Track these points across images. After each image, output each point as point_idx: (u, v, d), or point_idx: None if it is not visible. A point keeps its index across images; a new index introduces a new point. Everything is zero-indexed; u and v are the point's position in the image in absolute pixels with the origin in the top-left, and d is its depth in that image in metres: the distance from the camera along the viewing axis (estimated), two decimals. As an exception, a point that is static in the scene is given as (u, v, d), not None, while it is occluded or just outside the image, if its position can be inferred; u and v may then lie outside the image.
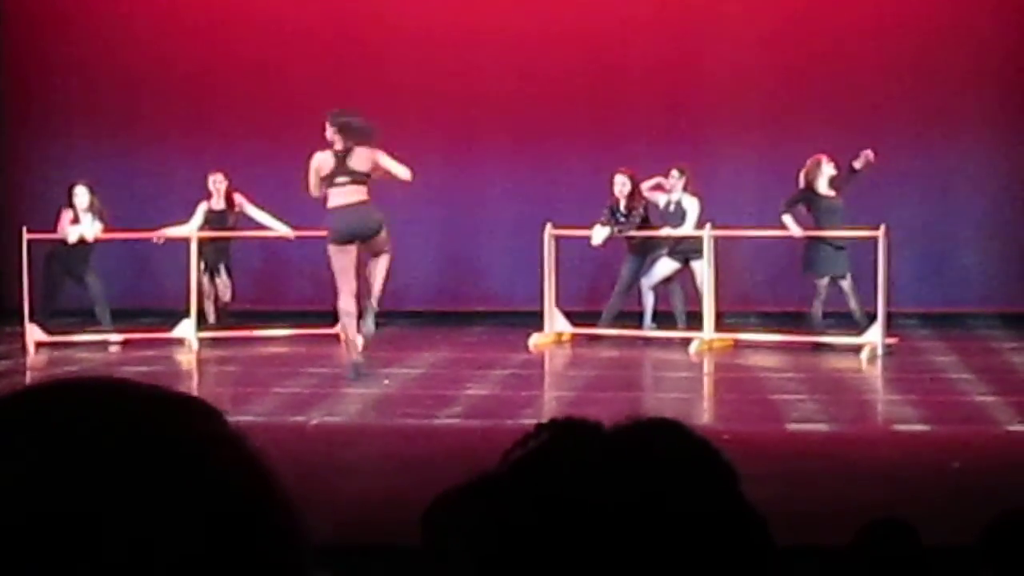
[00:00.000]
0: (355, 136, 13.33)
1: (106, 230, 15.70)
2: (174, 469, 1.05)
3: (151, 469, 1.04)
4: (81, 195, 15.59)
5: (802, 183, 15.14)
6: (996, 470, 9.10)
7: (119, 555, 1.01)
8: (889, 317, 14.82)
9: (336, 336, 15.70)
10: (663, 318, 16.02)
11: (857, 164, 15.02)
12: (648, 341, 15.74)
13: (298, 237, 16.10)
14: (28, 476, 1.02)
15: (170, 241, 16.10)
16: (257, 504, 1.08)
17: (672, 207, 15.83)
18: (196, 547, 1.03)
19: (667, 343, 15.56)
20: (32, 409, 1.08)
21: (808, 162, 15.13)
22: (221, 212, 16.15)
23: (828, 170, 15.05)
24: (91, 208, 15.59)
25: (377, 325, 13.65)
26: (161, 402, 1.10)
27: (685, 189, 15.80)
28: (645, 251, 16.05)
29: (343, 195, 13.24)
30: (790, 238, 15.32)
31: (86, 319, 15.85)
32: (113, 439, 1.05)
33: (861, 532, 4.78)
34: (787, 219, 15.14)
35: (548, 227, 16.03)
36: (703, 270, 15.49)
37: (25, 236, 15.51)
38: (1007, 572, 4.23)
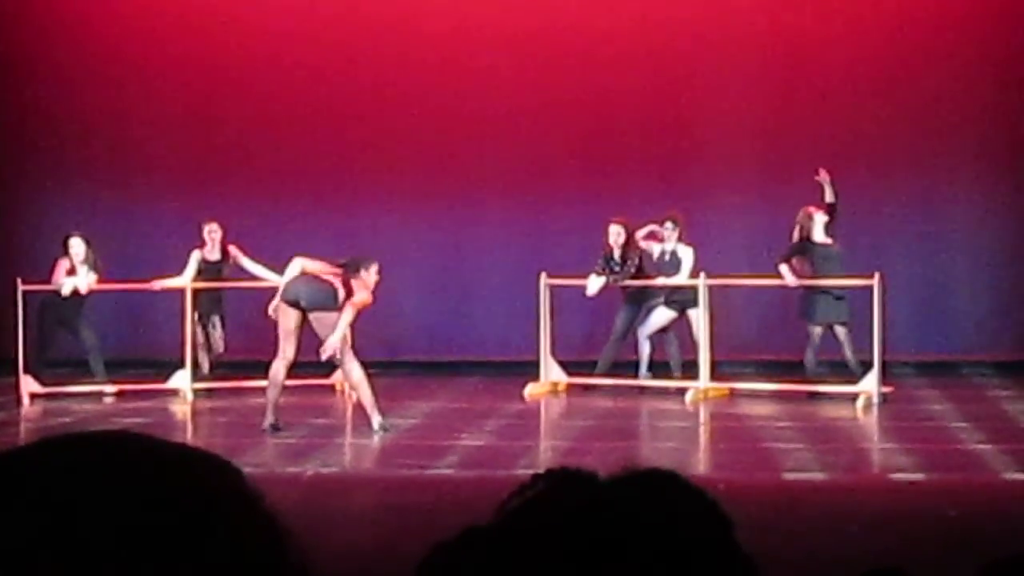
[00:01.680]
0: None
1: (100, 281, 15.70)
2: (191, 525, 1.04)
3: (168, 524, 1.04)
4: (76, 246, 15.61)
5: (796, 236, 15.19)
6: (992, 518, 9.08)
7: None
8: (884, 365, 14.81)
9: (331, 387, 15.70)
10: (659, 367, 16.02)
11: (829, 197, 15.15)
12: (644, 390, 15.72)
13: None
14: (47, 528, 1.02)
15: (165, 291, 16.08)
16: (272, 560, 1.07)
17: (667, 256, 15.86)
18: None
19: (663, 392, 15.54)
20: (51, 461, 1.08)
21: (799, 214, 15.17)
22: (215, 263, 16.15)
23: (820, 218, 15.10)
24: (86, 260, 15.60)
25: (385, 430, 13.01)
26: (179, 458, 1.10)
27: (679, 239, 15.83)
28: (640, 300, 16.06)
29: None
30: (785, 286, 15.34)
31: (80, 370, 15.83)
32: (131, 493, 1.05)
33: None
34: (782, 268, 15.16)
35: (543, 276, 16.04)
36: (699, 319, 15.49)
37: (20, 287, 15.51)
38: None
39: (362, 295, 13.15)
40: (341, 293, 13.14)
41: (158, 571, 1.02)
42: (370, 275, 13.28)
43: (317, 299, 13.08)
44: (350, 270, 13.28)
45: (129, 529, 1.03)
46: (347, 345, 13.20)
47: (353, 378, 13.21)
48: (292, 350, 13.19)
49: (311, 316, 13.08)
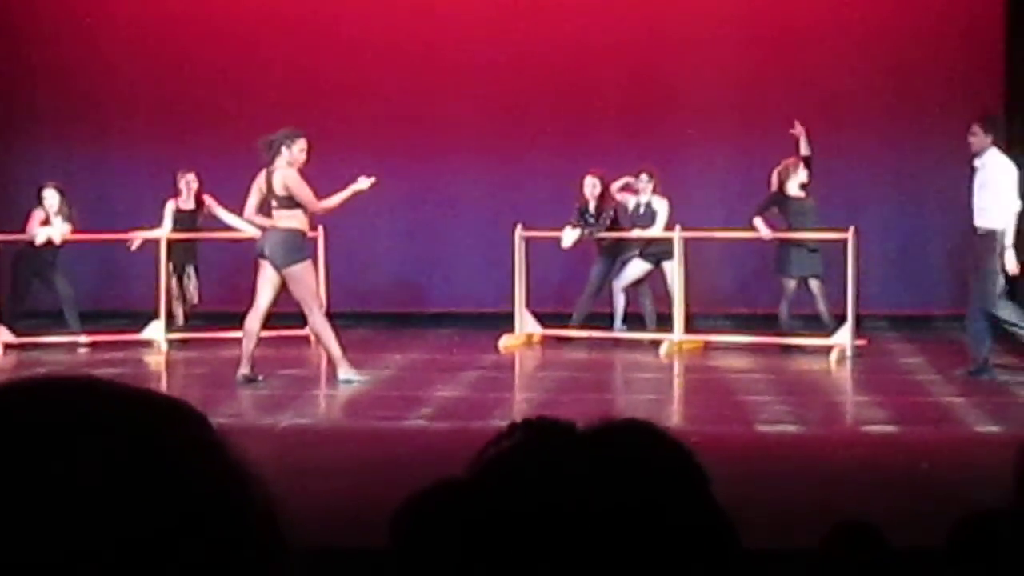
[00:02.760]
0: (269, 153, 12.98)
1: (75, 232, 15.65)
2: (152, 471, 1.04)
3: (128, 470, 1.03)
4: (51, 197, 15.55)
5: (774, 185, 15.19)
6: (964, 471, 9.13)
7: (92, 553, 1.00)
8: (858, 319, 14.86)
9: (306, 338, 15.69)
10: (633, 320, 16.04)
11: (804, 150, 15.15)
12: (618, 343, 15.75)
13: (267, 238, 16.10)
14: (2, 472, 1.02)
15: (144, 244, 16.02)
16: (237, 505, 1.07)
17: (642, 209, 15.86)
18: (172, 549, 1.02)
19: (637, 345, 15.57)
20: (9, 405, 1.07)
21: (783, 163, 15.18)
22: (190, 212, 16.10)
23: (802, 172, 15.11)
24: (60, 210, 15.55)
25: (349, 382, 12.94)
26: (143, 404, 1.10)
27: (654, 191, 15.83)
28: (615, 253, 16.07)
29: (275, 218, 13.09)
30: (760, 240, 15.36)
31: (54, 321, 15.79)
32: (92, 438, 1.04)
33: (827, 536, 4.78)
34: (757, 221, 15.18)
35: (518, 229, 16.03)
36: (674, 272, 15.51)
37: (-8, 237, 15.46)
38: (970, 573, 4.25)
39: (298, 189, 12.81)
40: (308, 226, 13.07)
41: (119, 517, 1.01)
42: (295, 153, 12.95)
43: (281, 252, 12.85)
44: (268, 153, 12.94)
45: (89, 474, 1.02)
46: (314, 294, 13.12)
47: (317, 327, 13.16)
48: (264, 301, 13.14)
49: (283, 273, 12.96)
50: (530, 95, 17.91)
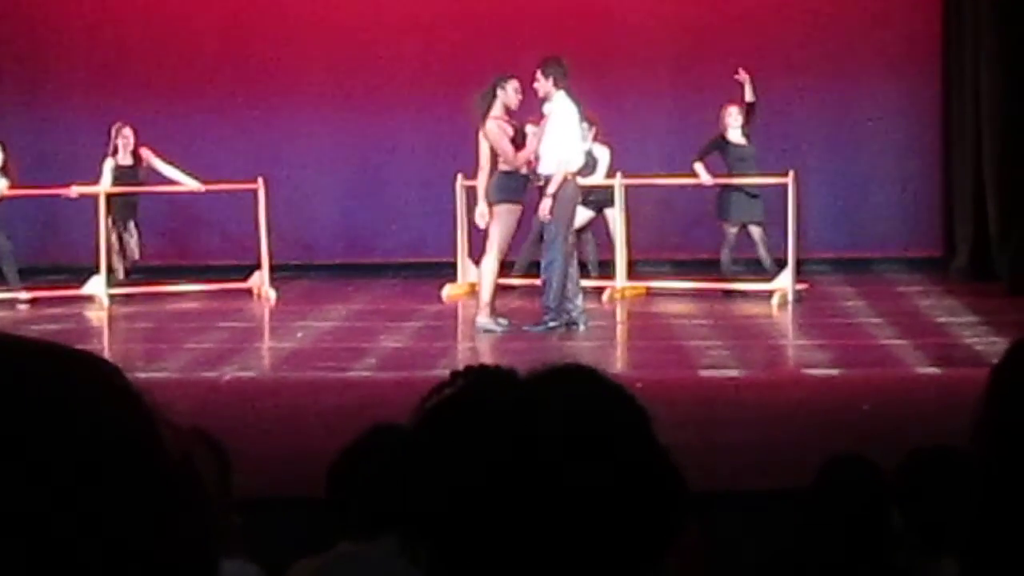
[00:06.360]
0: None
1: (12, 187, 15.50)
2: (56, 421, 1.03)
3: (32, 420, 1.02)
4: (-9, 152, 15.39)
5: (723, 128, 15.22)
6: (905, 412, 9.22)
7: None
8: (799, 263, 14.94)
9: (248, 291, 15.64)
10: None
11: (749, 96, 15.17)
12: (561, 290, 15.75)
13: (207, 191, 16.00)
14: None
15: (82, 196, 15.87)
16: (146, 455, 1.06)
17: (583, 157, 15.84)
18: (72, 496, 1.01)
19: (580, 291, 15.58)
20: None
21: (724, 110, 15.20)
22: (129, 168, 15.94)
23: (737, 123, 15.14)
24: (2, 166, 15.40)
25: (487, 331, 13.05)
26: (48, 356, 1.08)
27: (595, 139, 15.82)
28: (556, 201, 16.06)
29: None
30: (701, 186, 15.40)
31: (-7, 277, 15.64)
32: None
33: (822, 470, 4.82)
34: (698, 167, 15.22)
35: (459, 178, 15.99)
36: (616, 219, 15.54)
37: (-71, 194, 15.29)
38: (914, 510, 4.32)
39: (497, 141, 13.01)
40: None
41: (27, 467, 1.01)
42: (509, 93, 13.16)
43: (493, 190, 13.16)
44: (483, 104, 13.14)
45: None
46: (503, 238, 13.13)
47: (484, 267, 13.26)
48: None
49: (492, 209, 13.16)
50: (469, 43, 17.84)
